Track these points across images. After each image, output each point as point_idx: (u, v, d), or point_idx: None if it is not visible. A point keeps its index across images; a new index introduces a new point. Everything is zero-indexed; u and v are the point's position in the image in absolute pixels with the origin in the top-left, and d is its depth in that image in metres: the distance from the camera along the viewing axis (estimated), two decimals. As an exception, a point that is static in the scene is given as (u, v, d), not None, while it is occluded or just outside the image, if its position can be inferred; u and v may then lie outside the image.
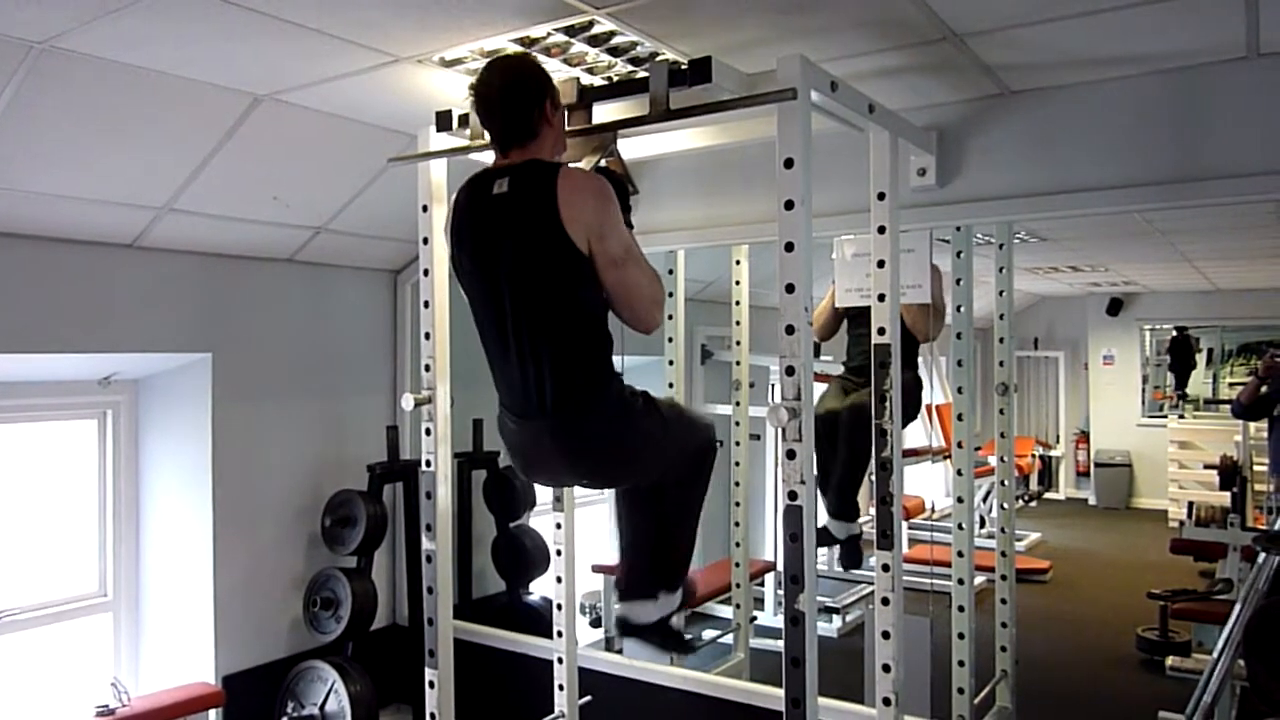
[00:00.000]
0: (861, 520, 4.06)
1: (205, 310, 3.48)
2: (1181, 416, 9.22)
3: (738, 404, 4.25)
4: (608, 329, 2.20)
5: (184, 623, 3.62)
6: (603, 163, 2.36)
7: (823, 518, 3.86)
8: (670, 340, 3.82)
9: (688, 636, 3.99)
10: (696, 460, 2.43)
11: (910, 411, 3.72)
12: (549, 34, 2.30)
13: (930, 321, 3.48)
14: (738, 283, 4.16)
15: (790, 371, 1.93)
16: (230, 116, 2.74)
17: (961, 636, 3.28)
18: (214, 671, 3.56)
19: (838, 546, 4.01)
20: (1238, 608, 2.81)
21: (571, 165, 2.19)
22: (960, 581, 3.36)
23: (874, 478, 2.44)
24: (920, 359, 3.88)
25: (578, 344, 2.15)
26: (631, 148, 2.66)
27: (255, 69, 2.49)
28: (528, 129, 2.14)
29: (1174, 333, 9.51)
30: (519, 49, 2.40)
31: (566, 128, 2.29)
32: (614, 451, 2.25)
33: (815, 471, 1.98)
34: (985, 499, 6.02)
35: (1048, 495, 9.55)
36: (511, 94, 2.13)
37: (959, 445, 3.49)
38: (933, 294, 3.34)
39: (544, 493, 4.08)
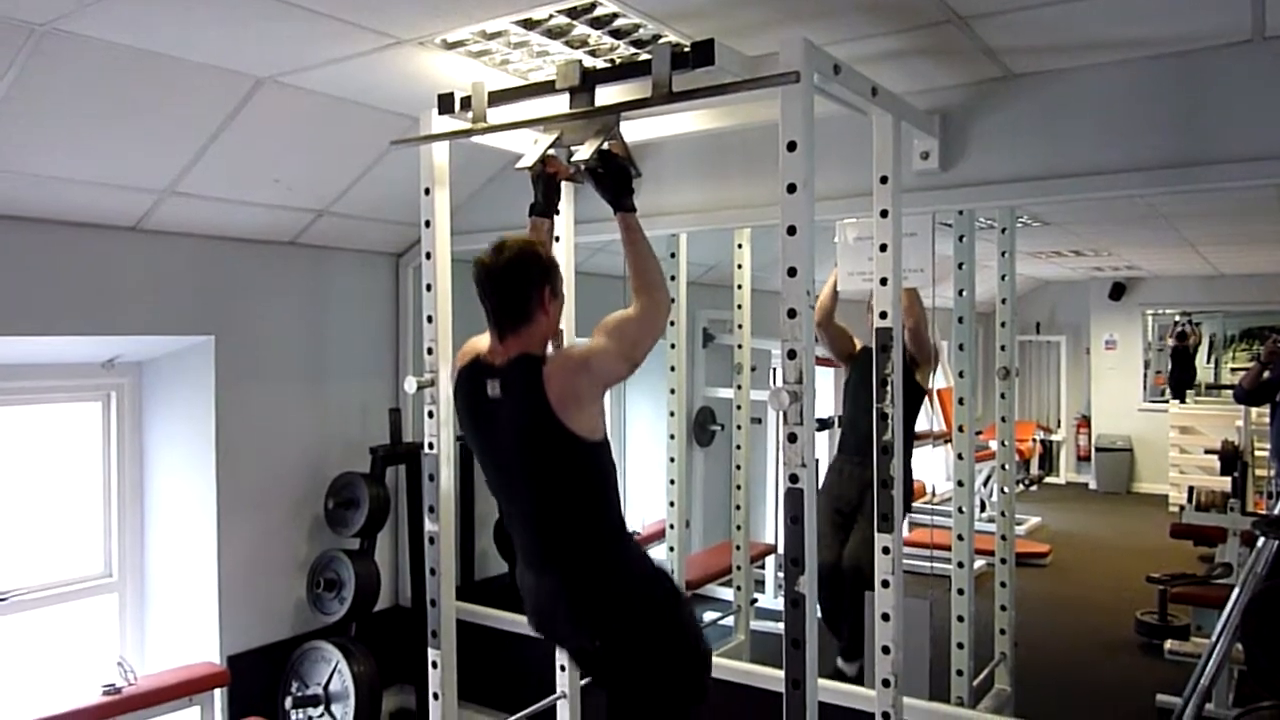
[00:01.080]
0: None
1: (208, 293, 3.49)
2: (1182, 401, 9.22)
3: (739, 387, 4.25)
4: (617, 494, 2.32)
5: (189, 603, 3.65)
6: (605, 145, 2.35)
7: (837, 661, 3.82)
8: (672, 324, 3.82)
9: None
10: (691, 665, 2.34)
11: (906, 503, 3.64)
12: (551, 15, 2.30)
13: (914, 307, 3.51)
14: (740, 266, 4.16)
15: (792, 355, 1.94)
16: (232, 99, 2.74)
17: (961, 619, 3.29)
18: (219, 651, 3.59)
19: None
20: (1236, 592, 2.82)
21: (552, 356, 2.25)
22: (960, 565, 3.38)
23: (876, 460, 2.45)
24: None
25: (589, 515, 2.27)
26: (634, 130, 2.66)
27: (257, 52, 2.49)
28: (524, 313, 2.22)
29: (1174, 342, 9.44)
30: (522, 31, 2.39)
31: (569, 114, 2.29)
32: (620, 613, 2.27)
33: (815, 440, 1.98)
34: (986, 483, 6.04)
35: (1048, 479, 9.56)
36: (513, 274, 2.21)
37: (960, 429, 3.49)
38: (919, 334, 3.37)
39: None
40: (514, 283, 2.21)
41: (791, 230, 1.94)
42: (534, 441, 2.21)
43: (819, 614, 2.04)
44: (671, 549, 3.75)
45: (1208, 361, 9.74)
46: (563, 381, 2.16)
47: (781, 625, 1.99)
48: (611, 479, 2.30)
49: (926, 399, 4.19)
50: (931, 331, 3.69)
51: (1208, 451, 7.59)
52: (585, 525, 2.27)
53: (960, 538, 3.40)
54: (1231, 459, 6.08)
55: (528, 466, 2.26)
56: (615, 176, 2.36)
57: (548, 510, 2.28)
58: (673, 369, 3.83)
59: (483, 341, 2.36)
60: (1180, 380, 9.33)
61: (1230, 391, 7.80)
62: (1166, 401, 9.32)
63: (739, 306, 4.18)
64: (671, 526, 3.78)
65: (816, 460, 2.01)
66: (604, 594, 2.26)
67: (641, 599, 2.28)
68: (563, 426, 2.15)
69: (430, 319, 2.67)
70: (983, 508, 5.97)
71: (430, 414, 2.69)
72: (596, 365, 2.19)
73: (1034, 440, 9.39)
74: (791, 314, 1.93)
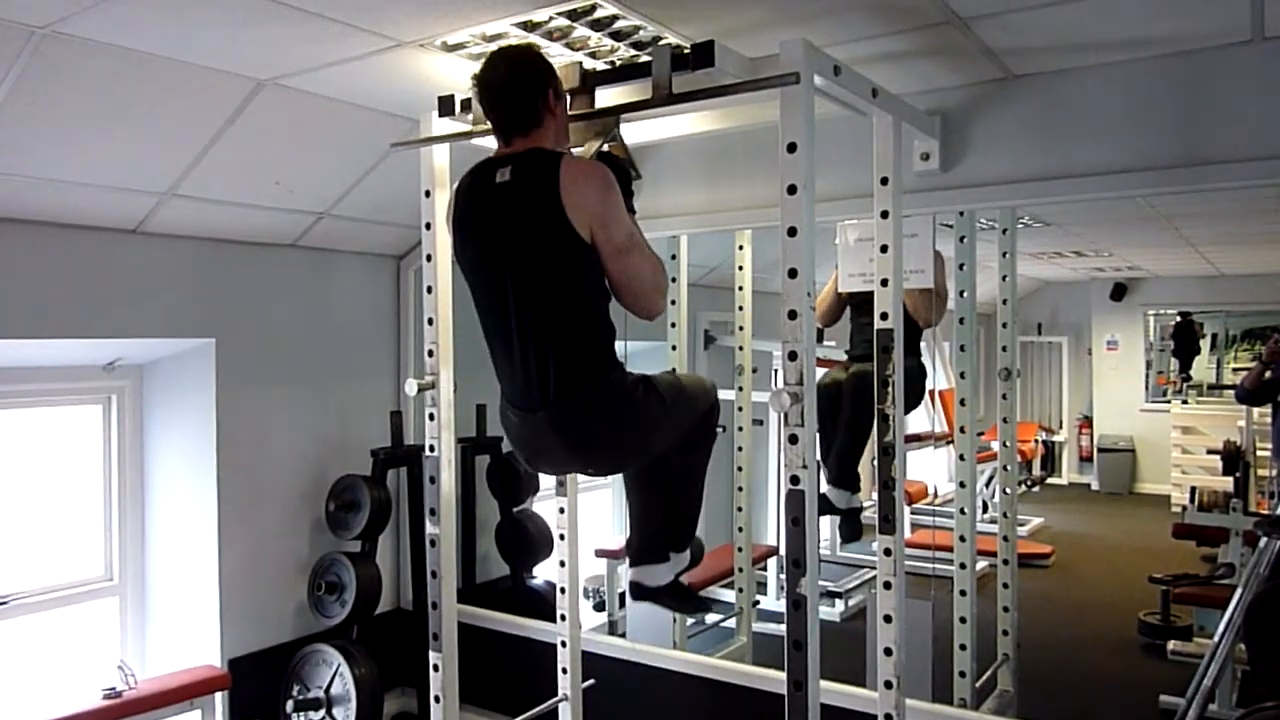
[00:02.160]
0: (864, 501, 4.05)
1: (209, 295, 3.49)
2: (1185, 402, 9.21)
3: (740, 389, 4.25)
4: (610, 318, 2.21)
5: (190, 606, 3.65)
6: (605, 147, 2.36)
7: (822, 486, 3.85)
8: (673, 325, 3.82)
9: (690, 621, 4.03)
10: (699, 426, 2.44)
11: (913, 398, 3.72)
12: (551, 18, 2.30)
13: (932, 306, 3.48)
14: (740, 268, 4.15)
15: (793, 356, 1.93)
16: (233, 102, 2.74)
17: (963, 620, 3.29)
18: (220, 654, 3.59)
19: (838, 518, 3.99)
20: (1239, 592, 2.82)
21: (574, 153, 2.19)
22: (962, 566, 3.37)
23: (876, 462, 2.45)
24: (924, 345, 3.87)
25: (579, 334, 2.16)
26: (634, 132, 2.66)
27: (258, 54, 2.49)
28: (531, 117, 2.15)
29: (1177, 318, 9.47)
30: (522, 33, 2.39)
31: (569, 115, 2.29)
32: (616, 441, 2.26)
33: (817, 439, 1.99)
34: (988, 484, 6.03)
35: (1050, 480, 9.55)
36: (515, 83, 2.13)
37: (961, 430, 3.49)
38: (935, 279, 3.34)
39: (547, 478, 4.09)
40: (518, 90, 2.13)
41: (792, 232, 1.94)
42: (535, 229, 2.09)
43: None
44: (673, 551, 3.75)
45: (1209, 361, 9.73)
46: (578, 175, 2.07)
47: (783, 627, 1.98)
48: (606, 298, 2.19)
49: (928, 398, 4.19)
50: (935, 332, 3.69)
51: (1210, 452, 7.59)
52: (578, 344, 2.15)
53: (962, 539, 3.40)
54: (1233, 459, 6.08)
55: (525, 263, 2.12)
56: (616, 178, 2.36)
57: (541, 321, 2.14)
58: (673, 371, 3.83)
59: None
60: (1185, 356, 9.35)
61: (1232, 391, 7.79)
62: (1168, 402, 9.31)
63: (740, 308, 4.17)
64: (673, 528, 3.77)
65: (818, 461, 2.00)
66: (590, 426, 2.19)
67: (629, 423, 2.24)
68: (565, 218, 2.05)
69: (431, 321, 2.67)
70: (985, 509, 5.95)
71: (431, 416, 2.69)
72: (614, 197, 2.11)
73: (1036, 441, 9.38)
74: (792, 315, 1.93)
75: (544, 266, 2.12)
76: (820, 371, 2.38)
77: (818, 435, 2.01)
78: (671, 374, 2.43)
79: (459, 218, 2.25)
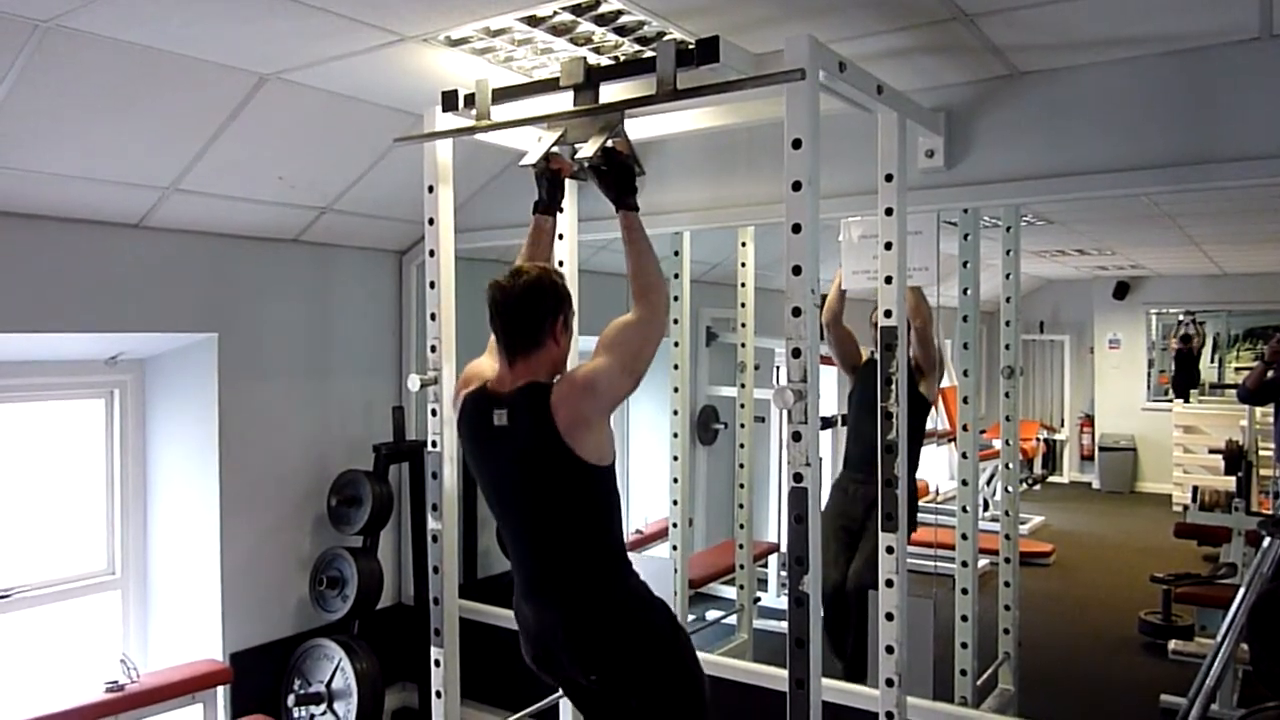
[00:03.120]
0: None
1: (211, 290, 3.49)
2: (1186, 401, 9.20)
3: (743, 386, 4.25)
4: (621, 526, 2.32)
5: (192, 600, 3.65)
6: (610, 143, 2.35)
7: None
8: (675, 322, 3.81)
9: (691, 617, 4.02)
10: (689, 697, 2.32)
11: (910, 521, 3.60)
12: (555, 13, 2.29)
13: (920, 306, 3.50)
14: (743, 264, 4.15)
15: (796, 354, 1.93)
16: (236, 96, 2.73)
17: (965, 619, 3.29)
18: (221, 649, 3.59)
19: None
20: (1241, 592, 2.81)
21: (557, 382, 2.23)
22: (964, 564, 3.37)
23: (880, 459, 2.44)
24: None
25: (593, 546, 2.27)
26: (638, 128, 2.65)
27: (261, 48, 2.48)
28: (535, 338, 2.23)
29: (1178, 345, 9.42)
30: (526, 28, 2.39)
31: (577, 119, 2.30)
32: (621, 650, 2.26)
33: (818, 442, 1.98)
34: (989, 482, 6.02)
35: (1052, 479, 9.54)
36: (528, 300, 2.22)
37: (964, 428, 3.49)
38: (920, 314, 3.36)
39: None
40: (528, 308, 2.22)
41: (796, 228, 1.93)
42: (541, 469, 2.21)
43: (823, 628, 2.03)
44: (674, 548, 3.75)
45: (1211, 361, 9.72)
46: (570, 407, 2.16)
47: (784, 624, 1.98)
48: (617, 506, 2.29)
49: (931, 408, 4.18)
50: (936, 331, 3.68)
51: (1212, 451, 7.58)
52: (588, 554, 2.27)
53: (964, 537, 3.40)
54: (1235, 458, 6.07)
55: (533, 494, 2.26)
56: (619, 174, 2.36)
57: (551, 538, 2.27)
58: (676, 367, 3.83)
59: (484, 366, 2.37)
60: (1184, 383, 9.31)
61: (1234, 391, 7.78)
62: (1170, 401, 9.30)
63: (742, 305, 4.17)
64: (674, 525, 3.77)
65: (821, 459, 2.00)
66: (603, 627, 2.25)
67: (641, 632, 2.27)
68: (572, 453, 2.15)
69: (434, 317, 2.67)
70: (986, 507, 5.95)
71: (433, 412, 2.69)
72: (601, 386, 2.18)
73: (1037, 439, 9.37)
74: (796, 312, 1.93)
75: (554, 497, 2.24)
76: (822, 377, 2.36)
77: (826, 638, 1.98)
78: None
79: (464, 444, 2.39)
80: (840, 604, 3.64)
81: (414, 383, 2.65)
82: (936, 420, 4.59)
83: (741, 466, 4.21)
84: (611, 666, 2.27)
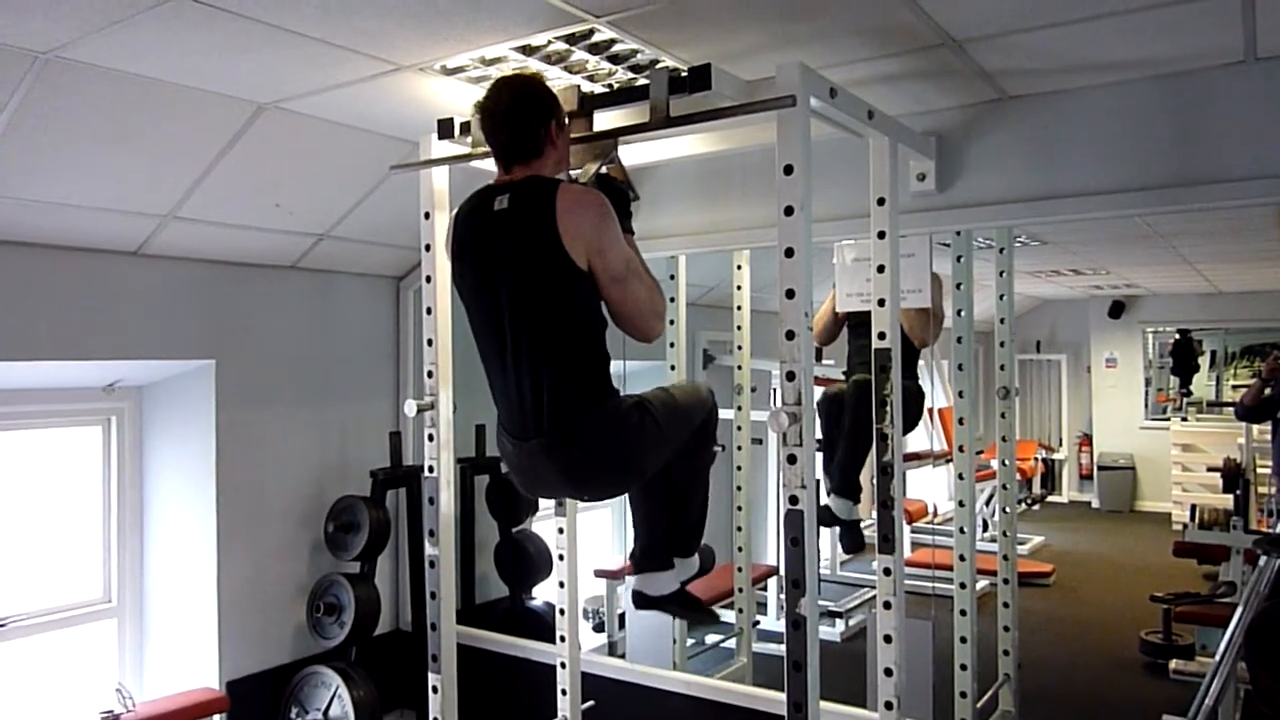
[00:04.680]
0: (865, 517, 4.04)
1: (209, 317, 3.50)
2: (1184, 419, 9.22)
3: (739, 408, 4.26)
4: (605, 346, 2.23)
5: (188, 628, 3.63)
6: (604, 169, 2.37)
7: (824, 497, 3.83)
8: (672, 345, 3.83)
9: (690, 640, 4.01)
10: (698, 435, 2.43)
11: (911, 419, 3.71)
12: (549, 42, 2.32)
13: (929, 327, 3.50)
14: (739, 288, 4.17)
15: (791, 377, 1.94)
16: (233, 125, 2.76)
17: (964, 640, 3.28)
18: (218, 677, 3.57)
19: (838, 529, 3.96)
20: (1239, 611, 2.81)
21: (572, 182, 2.20)
22: (962, 585, 3.37)
23: (875, 481, 2.45)
24: (921, 365, 3.87)
25: (575, 361, 2.17)
26: (632, 154, 2.68)
27: (258, 78, 2.51)
28: (532, 145, 2.17)
29: (1176, 335, 9.49)
30: (520, 58, 2.41)
31: (570, 139, 2.31)
32: (611, 468, 2.26)
33: (817, 448, 1.99)
34: (987, 502, 6.02)
35: (1051, 498, 9.54)
36: (518, 110, 2.16)
37: (960, 449, 3.50)
38: (933, 300, 3.36)
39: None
40: (520, 118, 2.15)
41: (789, 253, 1.95)
42: (532, 257, 2.11)
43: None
44: (673, 571, 3.74)
45: (1209, 379, 9.74)
46: (574, 203, 2.09)
47: (783, 647, 1.98)
48: (603, 326, 2.21)
49: (926, 416, 4.19)
50: (933, 350, 3.70)
51: (1210, 469, 7.60)
52: (574, 371, 2.16)
53: (962, 558, 3.39)
54: (1234, 476, 6.08)
55: (522, 290, 2.14)
56: (614, 200, 2.37)
57: (537, 348, 2.15)
58: (672, 390, 3.83)
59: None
60: (1184, 373, 9.36)
61: (1231, 408, 7.80)
62: (1168, 419, 9.32)
63: (738, 328, 4.19)
64: (672, 548, 3.76)
65: (817, 481, 2.01)
66: (590, 454, 2.20)
67: (623, 448, 2.23)
68: (561, 247, 2.07)
69: (430, 342, 2.68)
70: (985, 527, 5.95)
71: (430, 437, 2.69)
72: (610, 224, 2.12)
73: (1036, 459, 9.38)
74: (790, 336, 1.94)
75: (540, 294, 2.14)
76: (818, 390, 2.39)
77: (820, 446, 2.01)
78: (665, 391, 2.42)
79: (457, 244, 2.27)
80: (836, 408, 3.71)
81: (411, 408, 2.66)
82: (933, 440, 4.60)
83: (739, 489, 4.21)
84: (601, 487, 2.32)
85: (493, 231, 2.17)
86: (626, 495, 2.56)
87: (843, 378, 4.07)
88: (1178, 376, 9.46)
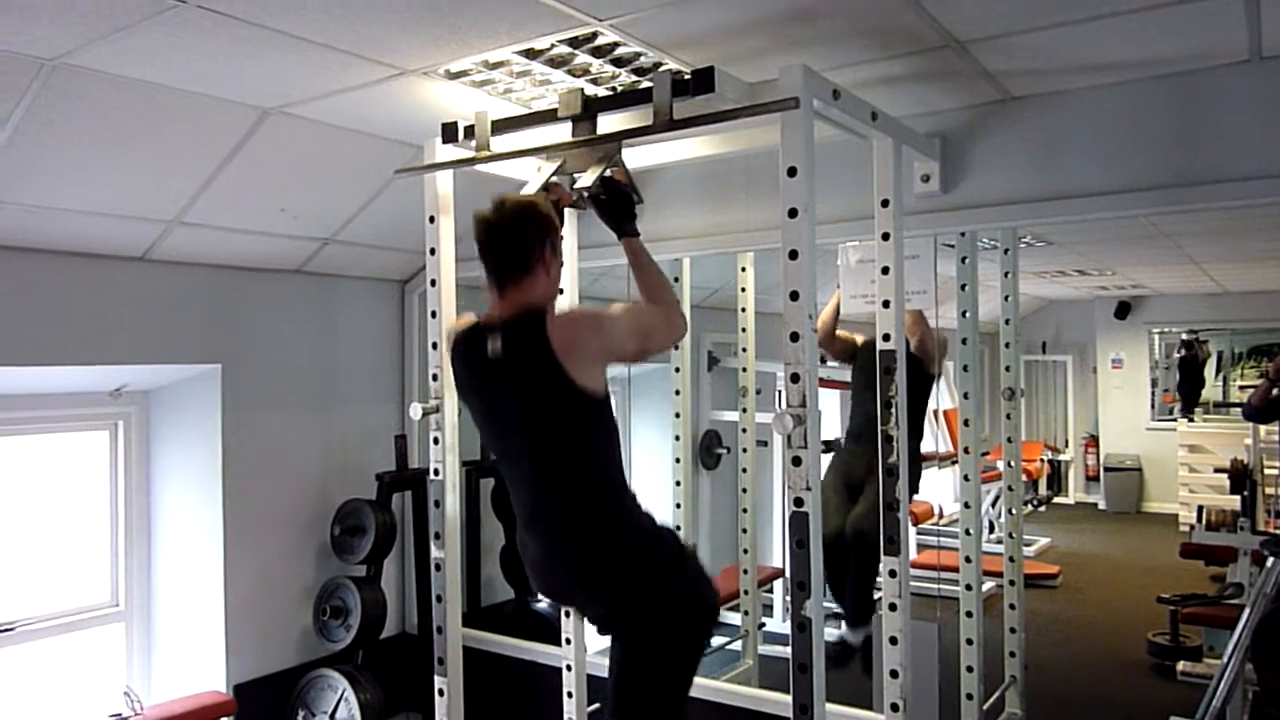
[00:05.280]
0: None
1: (215, 322, 3.51)
2: (1191, 420, 9.20)
3: (744, 410, 4.26)
4: (620, 455, 2.28)
5: (195, 632, 3.64)
6: (608, 172, 2.38)
7: (841, 629, 3.77)
8: (676, 348, 3.83)
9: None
10: (699, 618, 2.35)
11: (913, 482, 3.59)
12: (553, 45, 2.32)
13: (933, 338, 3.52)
14: (743, 290, 4.18)
15: (795, 378, 1.94)
16: (238, 130, 2.77)
17: (970, 642, 3.28)
18: (225, 680, 3.58)
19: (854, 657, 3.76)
20: (1246, 612, 2.80)
21: (560, 312, 2.26)
22: (968, 587, 3.36)
23: (881, 485, 2.45)
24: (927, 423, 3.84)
25: (594, 477, 2.24)
26: (636, 157, 2.68)
27: (263, 83, 2.52)
28: (524, 264, 2.21)
29: (1181, 351, 9.43)
30: (524, 61, 2.42)
31: (575, 150, 2.33)
32: (629, 577, 2.26)
33: (820, 460, 1.98)
34: (993, 504, 6.01)
35: (1057, 500, 9.52)
36: (515, 227, 2.21)
37: (966, 450, 3.49)
38: (923, 336, 3.39)
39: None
40: (516, 237, 2.20)
41: (793, 255, 1.95)
42: (537, 393, 2.17)
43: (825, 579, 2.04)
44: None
45: (1216, 379, 9.71)
46: (569, 333, 2.14)
47: (789, 649, 1.98)
48: (614, 436, 2.26)
49: (931, 417, 4.19)
50: (934, 351, 3.70)
51: (1217, 470, 7.56)
52: (588, 484, 2.22)
53: (968, 560, 3.39)
54: (1241, 477, 6.05)
55: (530, 421, 2.20)
56: (618, 203, 2.38)
57: (550, 468, 2.22)
58: (678, 392, 3.84)
59: (473, 316, 2.35)
60: (1189, 392, 9.32)
61: (1239, 409, 7.77)
62: (1175, 420, 9.29)
63: (743, 329, 4.19)
64: (678, 551, 3.76)
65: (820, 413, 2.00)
66: (609, 556, 2.22)
67: (647, 558, 2.24)
68: (566, 377, 2.11)
69: (435, 345, 2.69)
70: (991, 529, 5.95)
71: (435, 440, 2.70)
72: (608, 327, 2.18)
73: (1042, 460, 9.36)
74: (794, 338, 1.94)
75: (553, 427, 2.20)
76: (823, 397, 2.37)
77: (826, 578, 1.98)
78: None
79: (459, 383, 2.36)
80: (840, 549, 3.63)
81: (416, 411, 2.66)
82: (939, 442, 4.60)
83: (744, 491, 4.21)
84: (622, 598, 2.27)
85: (492, 377, 2.24)
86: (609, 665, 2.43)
87: (843, 437, 4.03)
88: (1182, 395, 9.40)
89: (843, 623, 3.73)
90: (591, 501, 2.22)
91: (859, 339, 3.93)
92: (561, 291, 2.69)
